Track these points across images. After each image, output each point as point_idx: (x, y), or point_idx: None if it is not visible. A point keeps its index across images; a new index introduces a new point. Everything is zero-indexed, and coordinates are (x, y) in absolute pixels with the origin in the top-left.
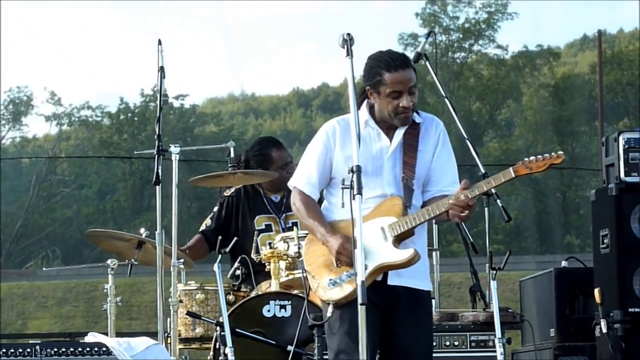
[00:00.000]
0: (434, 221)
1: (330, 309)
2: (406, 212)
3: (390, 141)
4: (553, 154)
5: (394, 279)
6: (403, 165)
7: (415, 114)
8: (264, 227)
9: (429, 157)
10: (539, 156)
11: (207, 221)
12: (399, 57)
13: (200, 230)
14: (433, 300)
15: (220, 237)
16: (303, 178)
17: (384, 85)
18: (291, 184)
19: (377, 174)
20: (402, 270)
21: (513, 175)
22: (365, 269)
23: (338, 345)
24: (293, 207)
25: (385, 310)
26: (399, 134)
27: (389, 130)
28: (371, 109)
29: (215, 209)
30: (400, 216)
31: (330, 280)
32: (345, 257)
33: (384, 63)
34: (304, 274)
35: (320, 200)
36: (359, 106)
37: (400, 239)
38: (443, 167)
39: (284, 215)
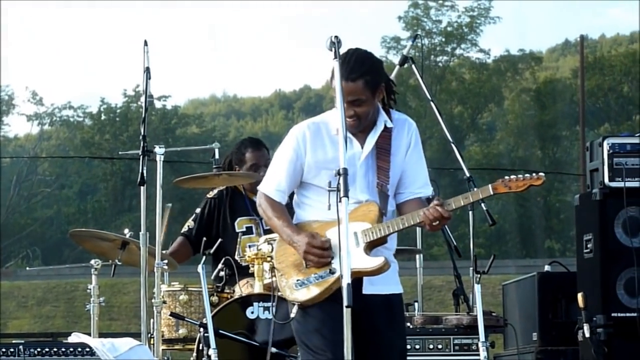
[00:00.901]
0: None
1: (295, 309)
2: (381, 219)
3: (362, 147)
4: (534, 174)
5: (368, 288)
6: (377, 171)
7: (386, 117)
8: (244, 229)
9: (402, 159)
10: (519, 176)
11: (190, 223)
12: (350, 67)
13: (182, 232)
14: (416, 304)
15: (204, 239)
16: (272, 185)
17: (333, 86)
18: (260, 188)
19: (350, 181)
20: (375, 277)
21: (491, 193)
22: (334, 273)
23: (310, 344)
24: (259, 208)
25: (359, 314)
26: (371, 140)
27: (361, 135)
28: None
29: (198, 210)
30: (375, 222)
31: (297, 280)
32: (312, 257)
33: (340, 66)
34: (274, 272)
35: (289, 204)
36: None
37: (372, 246)
38: (415, 169)
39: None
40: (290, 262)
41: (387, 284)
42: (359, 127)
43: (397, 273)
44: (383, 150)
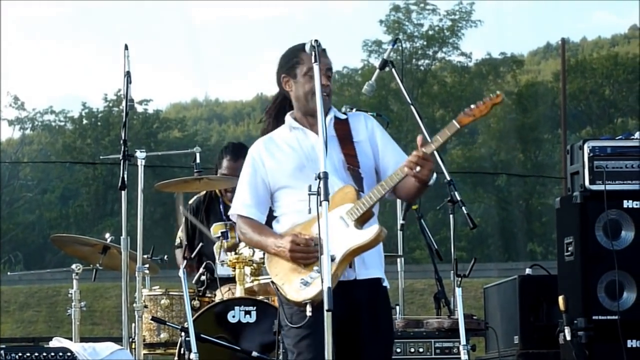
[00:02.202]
0: (398, 228)
1: (309, 308)
2: (360, 197)
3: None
4: (492, 95)
5: (362, 272)
6: (345, 158)
7: (337, 111)
8: (220, 234)
9: (368, 149)
10: (479, 102)
11: (180, 235)
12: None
13: (175, 245)
14: (397, 307)
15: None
16: (238, 203)
17: (300, 65)
18: (230, 213)
19: (316, 168)
20: (367, 261)
21: (458, 127)
22: (334, 259)
23: (297, 350)
24: (240, 236)
25: (344, 322)
26: (327, 125)
27: (314, 127)
28: (292, 113)
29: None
30: (355, 201)
31: (301, 280)
32: (299, 254)
33: (300, 46)
34: (275, 287)
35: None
36: (277, 120)
37: (362, 222)
38: (392, 152)
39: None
40: (286, 269)
41: (378, 268)
42: (329, 102)
43: (383, 262)
44: (345, 140)
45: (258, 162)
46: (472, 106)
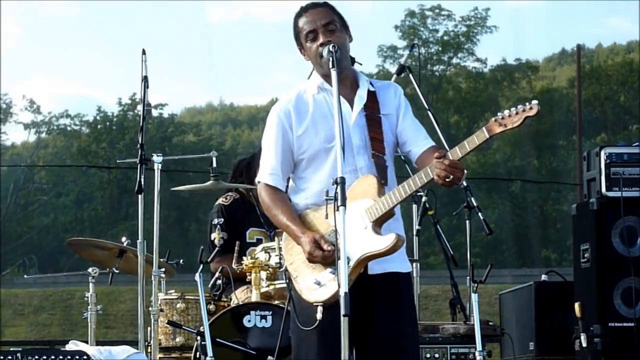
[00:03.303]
0: (414, 234)
1: (320, 309)
2: (383, 191)
3: (352, 107)
4: (527, 104)
5: (374, 268)
6: (371, 142)
7: (368, 83)
8: (255, 240)
9: (394, 121)
10: (512, 109)
11: (221, 235)
12: (310, 2)
13: (219, 246)
14: None
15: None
16: (266, 170)
17: (301, 33)
18: (256, 180)
19: (345, 142)
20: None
21: (487, 136)
22: (348, 263)
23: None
24: (262, 203)
25: (362, 308)
26: (359, 100)
27: (346, 92)
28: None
29: (215, 221)
30: (377, 197)
31: (315, 280)
32: (317, 259)
33: (297, 14)
34: (286, 274)
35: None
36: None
37: (380, 223)
38: (413, 126)
39: (274, 231)
40: (301, 261)
41: (391, 261)
42: (340, 60)
43: (404, 250)
44: (373, 120)
45: (285, 124)
46: (506, 112)
